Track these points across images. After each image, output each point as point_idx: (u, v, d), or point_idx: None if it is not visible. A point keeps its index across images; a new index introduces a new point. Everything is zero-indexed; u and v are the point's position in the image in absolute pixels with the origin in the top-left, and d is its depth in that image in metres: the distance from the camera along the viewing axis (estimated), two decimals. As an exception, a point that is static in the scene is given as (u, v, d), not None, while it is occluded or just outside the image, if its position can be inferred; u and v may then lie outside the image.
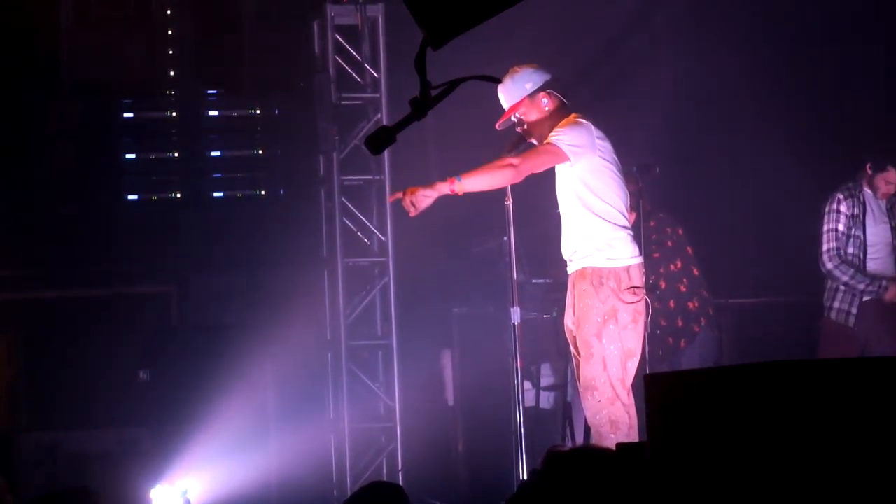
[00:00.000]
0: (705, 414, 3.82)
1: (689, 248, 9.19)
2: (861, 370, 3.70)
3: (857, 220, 8.85)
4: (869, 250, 8.87)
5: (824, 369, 3.68)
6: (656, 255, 9.05)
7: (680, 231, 9.20)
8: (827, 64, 10.51)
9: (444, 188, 6.92)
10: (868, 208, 8.87)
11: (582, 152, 7.09)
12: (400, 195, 6.98)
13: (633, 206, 8.93)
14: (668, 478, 3.88)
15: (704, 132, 10.63)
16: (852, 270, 8.82)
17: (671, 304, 9.07)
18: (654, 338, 9.03)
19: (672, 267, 9.08)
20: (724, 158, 10.54)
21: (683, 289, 9.09)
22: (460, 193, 6.98)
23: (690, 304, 9.09)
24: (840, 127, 10.01)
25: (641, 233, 8.50)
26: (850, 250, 8.86)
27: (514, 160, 7.01)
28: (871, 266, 8.89)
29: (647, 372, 8.33)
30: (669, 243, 9.12)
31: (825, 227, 8.91)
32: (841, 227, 8.87)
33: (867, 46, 10.45)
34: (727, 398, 3.75)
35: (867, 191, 8.88)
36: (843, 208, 8.88)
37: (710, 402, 3.82)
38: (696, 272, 9.17)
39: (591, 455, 4.08)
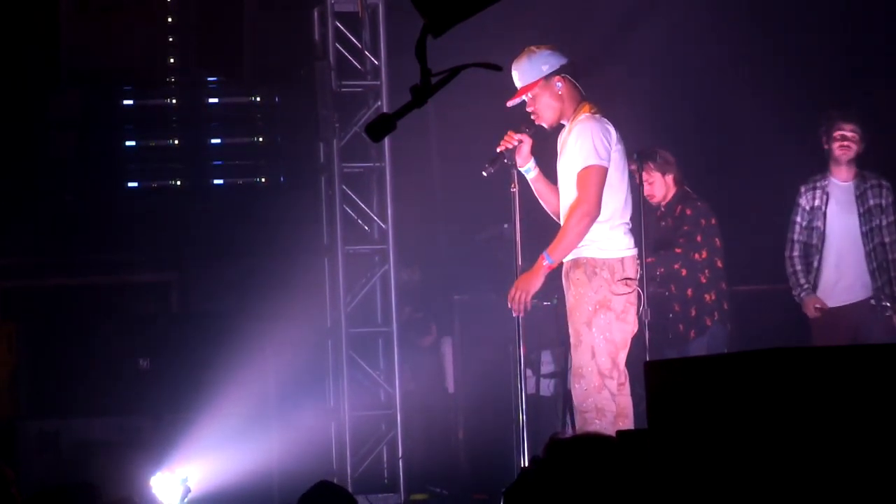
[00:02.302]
0: (706, 401, 3.82)
1: (717, 240, 9.16)
2: (862, 357, 3.70)
3: (818, 212, 8.90)
4: (830, 240, 8.88)
5: (825, 357, 3.68)
6: (678, 250, 9.02)
7: (713, 221, 9.17)
8: (838, 49, 10.49)
9: (542, 272, 7.22)
10: (832, 199, 8.88)
11: (610, 154, 7.19)
12: (516, 306, 7.24)
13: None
14: (668, 465, 3.89)
15: (715, 118, 10.62)
16: (793, 269, 8.92)
17: (689, 292, 9.05)
18: (667, 321, 9.04)
19: (696, 256, 9.05)
20: (733, 145, 10.54)
21: (704, 279, 9.06)
22: (556, 266, 7.21)
23: (707, 296, 9.07)
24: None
25: (641, 217, 8.48)
26: (813, 241, 8.90)
27: (582, 207, 7.15)
28: (832, 258, 8.91)
29: (648, 356, 8.35)
30: (699, 237, 9.08)
31: (791, 219, 9.07)
32: (798, 218, 8.98)
33: (874, 33, 10.44)
34: (728, 385, 3.75)
35: (834, 180, 8.89)
36: (802, 201, 8.99)
37: (710, 389, 3.82)
38: (719, 264, 9.14)
39: (593, 442, 4.08)
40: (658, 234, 9.22)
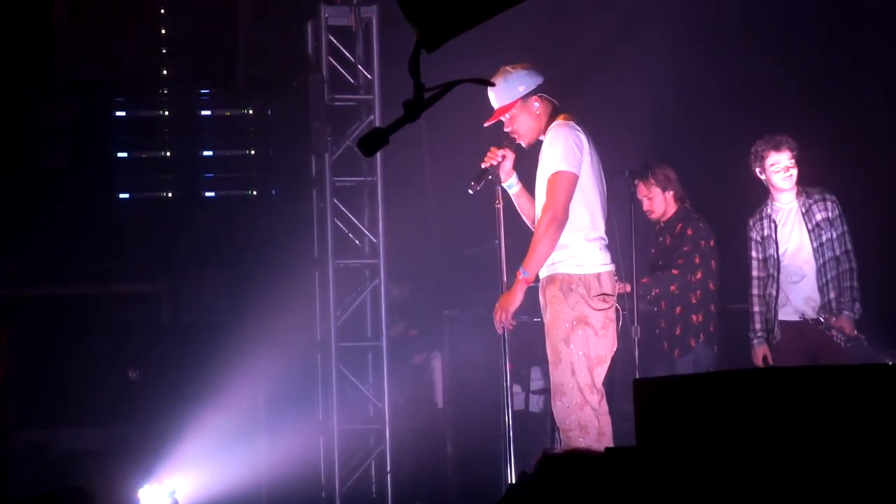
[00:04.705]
0: (694, 419, 3.83)
1: (714, 262, 9.14)
2: (849, 377, 3.71)
3: (770, 241, 8.86)
4: (786, 266, 8.83)
5: (813, 377, 3.69)
6: (675, 271, 9.01)
7: (712, 243, 9.16)
8: (820, 64, 10.51)
9: (521, 287, 7.13)
10: (779, 224, 8.85)
11: (581, 163, 7.14)
12: (499, 325, 7.21)
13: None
14: (656, 481, 3.89)
15: (708, 133, 10.61)
16: (752, 310, 8.82)
17: (677, 310, 9.04)
18: (654, 337, 9.03)
19: (692, 277, 9.04)
20: (711, 161, 10.55)
21: (694, 300, 9.05)
22: (532, 280, 7.16)
23: (694, 317, 9.06)
24: (833, 127, 10.01)
25: (633, 235, 8.48)
26: (770, 271, 8.86)
27: (548, 214, 7.09)
28: (794, 282, 8.84)
29: (637, 373, 8.36)
30: (697, 259, 9.07)
31: (747, 255, 8.97)
32: (754, 253, 8.91)
33: (861, 44, 10.45)
34: (716, 404, 3.76)
35: (777, 205, 8.85)
36: (753, 235, 8.91)
37: (699, 407, 3.83)
38: (711, 286, 9.13)
39: (583, 459, 4.08)
40: (655, 250, 9.22)
